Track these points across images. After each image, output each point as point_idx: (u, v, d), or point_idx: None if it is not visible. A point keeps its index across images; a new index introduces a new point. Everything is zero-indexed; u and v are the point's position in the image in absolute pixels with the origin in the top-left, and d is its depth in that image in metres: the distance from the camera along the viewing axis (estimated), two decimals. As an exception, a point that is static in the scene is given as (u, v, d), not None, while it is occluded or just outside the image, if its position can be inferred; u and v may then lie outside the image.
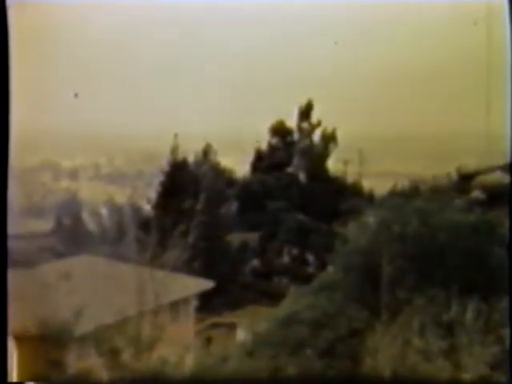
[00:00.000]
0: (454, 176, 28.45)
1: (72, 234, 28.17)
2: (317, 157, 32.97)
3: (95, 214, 30.22)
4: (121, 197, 30.94)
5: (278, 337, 17.21)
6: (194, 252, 27.66)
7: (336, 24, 25.65)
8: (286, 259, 32.13)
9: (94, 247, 27.30)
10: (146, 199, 30.80)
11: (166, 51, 26.93)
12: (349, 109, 28.35)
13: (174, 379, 16.09)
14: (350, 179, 33.08)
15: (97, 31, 24.35)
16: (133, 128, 28.00)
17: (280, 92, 28.52)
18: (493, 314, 15.09)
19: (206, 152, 31.90)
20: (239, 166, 33.03)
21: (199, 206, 30.00)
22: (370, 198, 30.98)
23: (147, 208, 30.62)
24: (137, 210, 30.52)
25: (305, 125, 33.28)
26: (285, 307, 18.86)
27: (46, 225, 28.61)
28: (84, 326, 17.80)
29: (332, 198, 31.85)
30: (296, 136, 33.46)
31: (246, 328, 23.71)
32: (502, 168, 21.26)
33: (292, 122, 33.32)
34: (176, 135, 30.30)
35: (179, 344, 18.28)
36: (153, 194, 30.80)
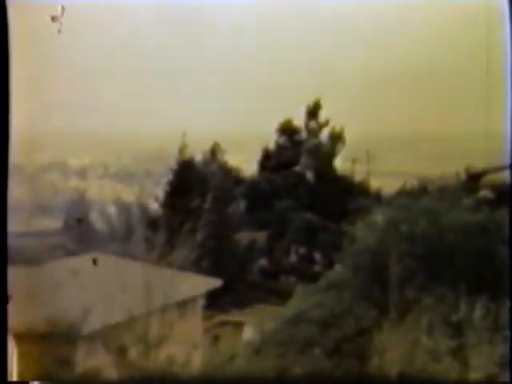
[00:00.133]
0: (463, 175, 28.42)
1: (81, 233, 28.25)
2: (325, 156, 32.96)
3: (103, 212, 30.30)
4: (129, 196, 30.99)
5: (285, 335, 17.22)
6: (201, 251, 27.69)
7: (345, 24, 25.65)
8: (293, 258, 32.14)
9: (102, 246, 27.36)
10: (154, 198, 30.86)
11: (173, 51, 26.96)
12: (357, 108, 28.31)
13: (182, 377, 16.12)
14: (357, 178, 33.07)
15: (102, 32, 24.40)
16: (141, 127, 28.05)
17: (288, 91, 28.51)
18: (501, 313, 15.06)
19: (214, 151, 31.94)
20: (247, 165, 33.05)
21: (207, 205, 30.04)
22: (377, 197, 30.97)
23: (155, 207, 30.68)
24: (145, 208, 30.58)
25: (313, 124, 33.28)
26: (292, 306, 18.87)
27: (54, 223, 28.70)
28: (92, 324, 17.84)
29: (340, 197, 31.82)
30: (304, 135, 33.46)
31: (253, 327, 23.73)
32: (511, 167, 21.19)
33: (300, 121, 33.33)
34: (184, 134, 30.35)
35: (187, 342, 18.31)
36: (161, 193, 30.87)
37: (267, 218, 31.36)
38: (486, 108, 19.46)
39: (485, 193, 25.26)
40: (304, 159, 33.34)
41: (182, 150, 30.99)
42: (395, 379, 14.32)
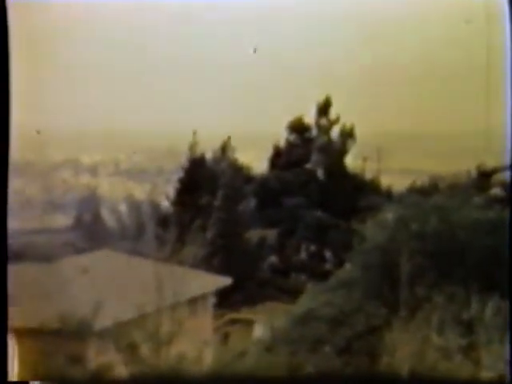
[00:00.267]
0: (474, 173, 28.32)
1: (92, 230, 28.36)
2: (335, 153, 32.91)
3: (114, 210, 30.40)
4: (140, 193, 31.08)
5: (295, 334, 17.23)
6: (212, 248, 27.75)
7: (353, 21, 25.63)
8: (303, 256, 32.12)
9: (113, 243, 27.45)
10: (165, 196, 30.93)
11: (183, 49, 26.99)
12: (367, 105, 28.27)
13: (192, 375, 16.16)
14: (368, 176, 33.00)
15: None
16: (152, 125, 28.10)
17: (298, 88, 28.49)
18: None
19: (224, 149, 31.96)
20: (257, 162, 33.05)
21: (217, 203, 30.07)
22: (388, 195, 30.89)
23: (166, 204, 30.75)
24: (156, 206, 30.65)
25: (323, 121, 33.23)
26: (302, 304, 18.87)
27: (66, 220, 28.82)
28: (103, 322, 17.90)
29: (350, 195, 31.78)
30: (314, 132, 33.42)
31: (263, 324, 23.75)
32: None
33: (310, 119, 33.29)
34: (195, 132, 30.39)
35: (197, 340, 18.35)
36: (171, 191, 30.93)
37: (277, 215, 31.36)
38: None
39: (496, 191, 25.17)
40: (315, 157, 33.30)
41: (192, 147, 31.04)
42: (406, 377, 14.30)
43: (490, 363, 14.03)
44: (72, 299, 19.06)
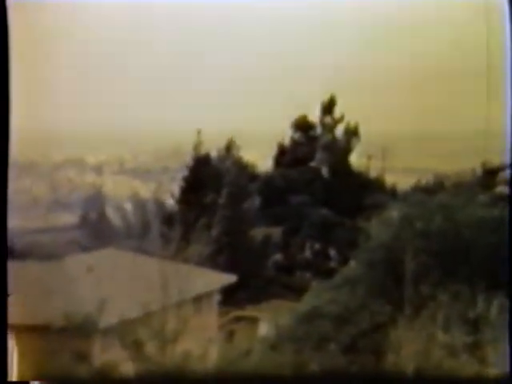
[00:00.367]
0: (478, 171, 28.30)
1: (97, 228, 28.45)
2: (340, 151, 32.93)
3: (120, 208, 30.49)
4: (145, 192, 31.16)
5: (300, 331, 17.23)
6: (217, 246, 27.79)
7: (356, 23, 25.69)
8: (308, 254, 32.15)
9: (119, 241, 27.53)
10: (170, 194, 30.99)
11: (186, 49, 27.04)
12: (371, 105, 28.29)
13: (197, 372, 16.19)
14: (373, 174, 33.00)
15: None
16: (157, 125, 28.17)
17: (303, 87, 28.51)
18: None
19: (229, 147, 32.00)
20: (262, 160, 33.09)
21: (222, 201, 30.12)
22: (393, 193, 30.90)
23: (171, 203, 30.82)
24: (161, 204, 30.74)
25: (328, 119, 33.24)
26: (307, 302, 18.86)
27: (71, 218, 28.93)
28: (108, 319, 17.95)
29: (355, 193, 31.79)
30: (319, 131, 33.43)
31: (268, 322, 23.77)
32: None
33: (315, 117, 33.31)
34: (199, 131, 30.44)
35: (202, 337, 18.38)
36: (176, 189, 30.99)
37: (282, 213, 31.39)
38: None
39: (501, 189, 25.13)
40: (319, 155, 33.32)
41: (197, 146, 31.09)
42: (411, 375, 14.30)
43: (496, 361, 14.02)
44: (77, 297, 19.12)
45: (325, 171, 33.21)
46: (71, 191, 29.72)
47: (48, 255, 22.62)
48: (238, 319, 27.31)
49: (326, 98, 32.44)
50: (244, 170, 32.02)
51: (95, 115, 26.22)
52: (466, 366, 14.24)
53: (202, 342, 17.69)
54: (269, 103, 28.52)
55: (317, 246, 32.03)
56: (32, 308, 18.76)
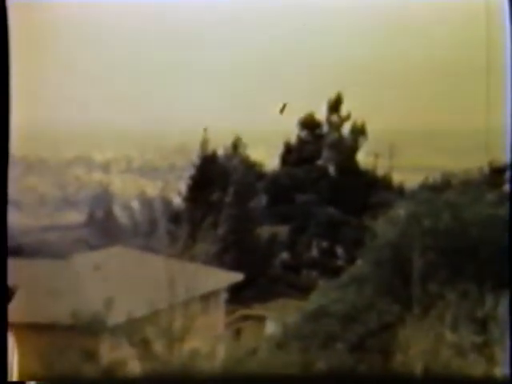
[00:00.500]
0: (486, 170, 28.21)
1: (105, 227, 28.48)
2: (347, 150, 32.87)
3: (127, 206, 30.51)
4: (152, 190, 31.17)
5: (307, 330, 17.23)
6: (223, 245, 27.77)
7: (359, 23, 25.66)
8: (315, 252, 32.11)
9: (126, 239, 27.54)
10: (177, 192, 31.00)
11: (192, 47, 27.02)
12: (378, 102, 28.24)
13: (205, 370, 16.20)
14: (380, 172, 32.93)
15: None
16: (164, 122, 28.17)
17: (309, 85, 28.47)
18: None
19: (236, 146, 31.98)
20: (268, 159, 33.06)
21: (229, 199, 30.11)
22: (400, 192, 30.83)
23: (178, 201, 30.82)
24: (168, 203, 30.74)
25: (334, 118, 33.19)
26: (314, 300, 18.86)
27: (79, 216, 28.95)
28: (116, 318, 17.98)
29: (362, 192, 31.73)
30: (325, 129, 33.38)
31: (275, 321, 23.78)
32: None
33: (321, 115, 33.25)
34: (205, 129, 30.42)
35: (209, 336, 18.40)
36: (183, 188, 30.99)
37: (289, 212, 31.36)
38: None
39: (508, 187, 25.04)
40: (326, 153, 33.27)
41: (203, 144, 31.07)
42: (419, 375, 14.27)
43: (504, 360, 13.98)
44: (85, 295, 19.16)
45: (331, 169, 33.15)
46: (78, 189, 29.75)
47: (55, 253, 22.64)
48: (245, 318, 27.31)
49: (332, 96, 32.39)
50: (251, 169, 31.99)
51: (101, 113, 26.24)
52: (474, 365, 14.21)
53: (209, 340, 17.71)
54: (275, 101, 28.49)
55: (324, 244, 31.98)
56: (39, 306, 18.80)
